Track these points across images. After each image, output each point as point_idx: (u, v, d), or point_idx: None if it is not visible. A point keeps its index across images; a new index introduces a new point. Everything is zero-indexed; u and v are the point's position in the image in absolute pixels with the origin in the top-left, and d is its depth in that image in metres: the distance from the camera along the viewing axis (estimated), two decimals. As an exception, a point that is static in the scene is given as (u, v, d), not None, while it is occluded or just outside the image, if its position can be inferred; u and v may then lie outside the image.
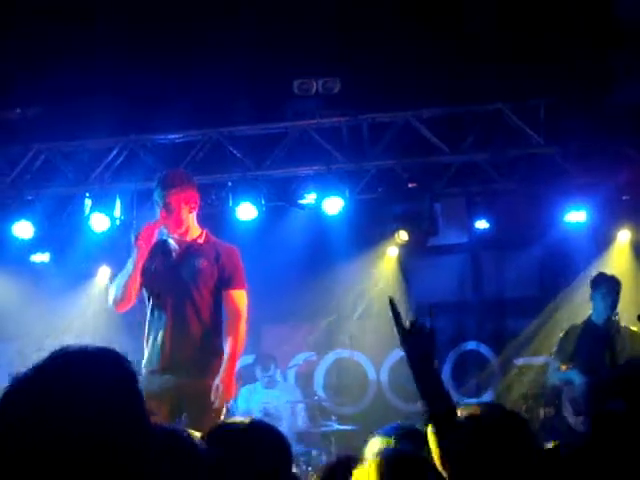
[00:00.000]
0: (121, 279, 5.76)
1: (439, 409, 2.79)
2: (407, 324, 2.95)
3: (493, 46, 8.07)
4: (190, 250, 5.85)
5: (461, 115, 8.82)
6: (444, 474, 2.66)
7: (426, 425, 2.81)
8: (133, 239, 5.71)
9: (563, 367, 7.74)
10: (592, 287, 7.81)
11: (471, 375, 10.04)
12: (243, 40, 8.04)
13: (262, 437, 2.70)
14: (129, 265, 5.72)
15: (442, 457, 2.67)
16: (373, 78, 8.39)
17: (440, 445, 2.70)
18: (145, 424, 1.56)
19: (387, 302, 3.01)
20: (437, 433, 2.73)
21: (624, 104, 8.30)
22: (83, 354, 1.58)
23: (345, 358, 10.33)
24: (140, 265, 5.71)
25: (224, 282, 5.78)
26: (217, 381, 5.49)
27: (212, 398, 5.45)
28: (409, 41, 8.17)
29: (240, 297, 5.79)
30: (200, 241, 5.89)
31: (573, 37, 7.99)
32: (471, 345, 10.24)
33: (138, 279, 5.72)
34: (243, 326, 5.72)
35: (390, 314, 2.97)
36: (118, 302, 5.77)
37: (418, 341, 2.92)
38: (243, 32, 8.08)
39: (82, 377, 1.53)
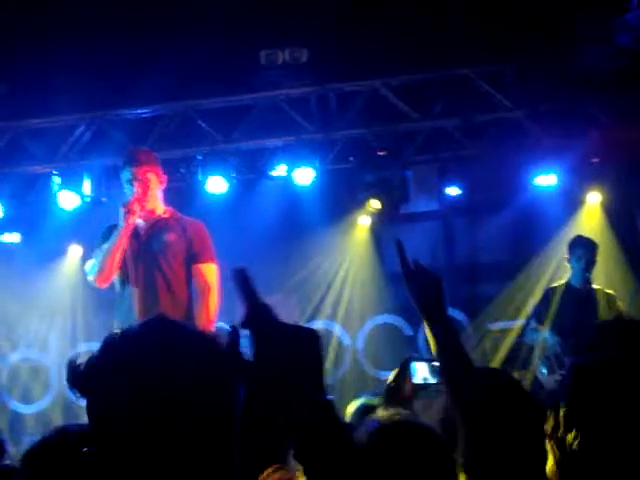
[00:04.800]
0: (105, 253, 5.72)
1: (453, 359, 2.72)
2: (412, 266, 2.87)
3: (459, 11, 8.04)
4: (157, 226, 5.87)
5: (429, 82, 8.81)
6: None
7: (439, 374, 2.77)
8: (122, 213, 5.68)
9: (541, 327, 7.81)
10: (569, 250, 7.88)
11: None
12: (209, 12, 7.96)
13: None
14: (114, 239, 5.69)
15: (457, 410, 2.63)
16: (341, 47, 8.34)
17: (454, 397, 2.66)
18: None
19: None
20: (449, 382, 2.70)
21: (591, 66, 8.31)
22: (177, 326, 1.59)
23: (321, 329, 10.35)
24: (125, 240, 5.69)
25: (193, 257, 5.79)
26: None
27: None
28: (375, 9, 8.13)
29: (209, 270, 5.79)
30: (166, 216, 5.90)
31: (539, 1, 7.99)
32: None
33: (122, 253, 5.70)
34: (213, 299, 5.71)
35: (397, 256, 2.88)
36: (100, 276, 5.76)
37: (425, 283, 2.84)
38: (209, 4, 7.99)
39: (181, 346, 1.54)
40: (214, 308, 5.69)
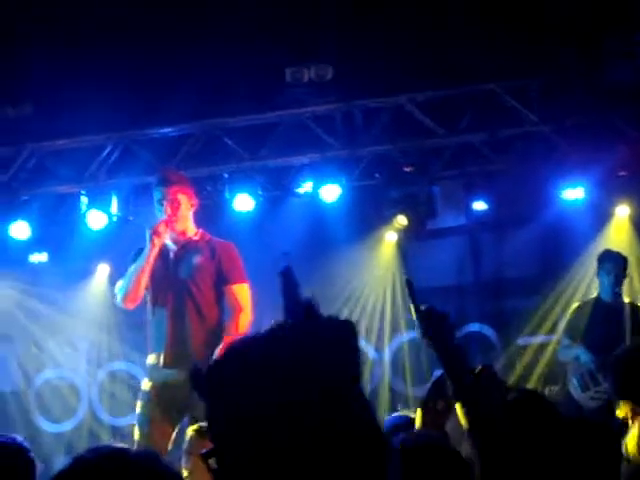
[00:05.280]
0: (132, 275, 5.73)
1: (467, 388, 2.73)
2: (422, 307, 2.89)
3: (485, 27, 8.04)
4: (187, 248, 5.87)
5: (455, 97, 8.78)
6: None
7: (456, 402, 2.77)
8: (149, 235, 5.69)
9: (573, 344, 7.74)
10: (598, 264, 7.82)
11: (474, 357, 10.02)
12: (234, 31, 7.99)
13: None
14: (141, 261, 5.70)
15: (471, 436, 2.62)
16: (365, 63, 8.35)
17: (471, 423, 2.65)
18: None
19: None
20: (467, 413, 2.69)
21: (617, 81, 8.27)
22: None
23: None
24: (153, 261, 5.69)
25: (223, 278, 5.78)
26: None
27: None
28: (399, 25, 8.14)
29: (241, 291, 5.79)
30: (196, 238, 5.90)
31: (566, 15, 7.96)
32: (473, 327, 10.22)
33: (147, 276, 5.71)
34: (244, 318, 5.70)
35: (407, 295, 2.90)
36: (127, 298, 5.78)
37: (435, 322, 2.85)
38: (233, 23, 8.03)
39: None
40: (244, 327, 5.68)
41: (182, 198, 5.80)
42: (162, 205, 5.77)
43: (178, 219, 5.77)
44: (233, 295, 5.77)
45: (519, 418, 2.64)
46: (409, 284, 2.86)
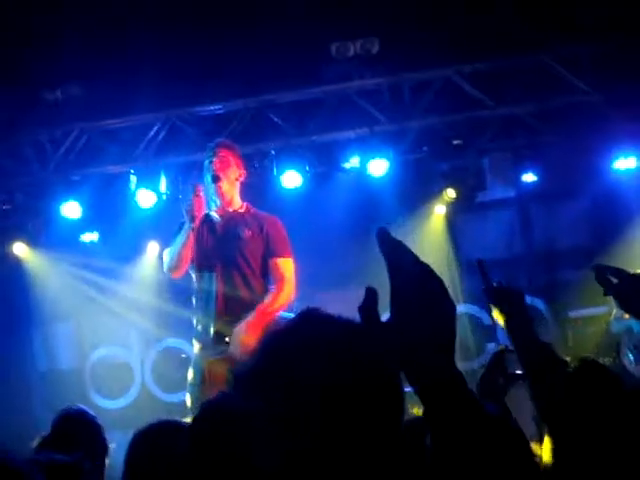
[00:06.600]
0: (176, 244, 5.76)
1: (539, 365, 2.74)
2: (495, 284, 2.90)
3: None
4: (233, 221, 5.86)
5: (503, 68, 8.68)
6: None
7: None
8: (185, 211, 5.70)
9: (626, 315, 7.65)
10: None
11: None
12: (278, 7, 7.96)
13: None
14: (183, 235, 5.72)
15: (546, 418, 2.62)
16: (411, 36, 8.27)
17: (543, 404, 2.64)
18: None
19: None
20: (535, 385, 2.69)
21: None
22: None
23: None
24: (192, 236, 5.71)
25: (270, 251, 5.78)
26: (237, 328, 5.49)
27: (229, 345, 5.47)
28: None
29: (286, 264, 5.79)
30: (242, 211, 5.91)
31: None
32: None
33: (190, 249, 5.73)
34: (287, 289, 5.70)
35: (480, 274, 2.90)
36: (173, 270, 5.81)
37: (508, 300, 2.86)
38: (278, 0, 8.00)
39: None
40: (285, 299, 5.68)
41: (232, 161, 5.82)
42: (211, 163, 5.76)
43: (225, 178, 5.77)
44: (278, 268, 5.77)
45: (583, 389, 2.63)
46: (481, 264, 2.87)
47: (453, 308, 1.53)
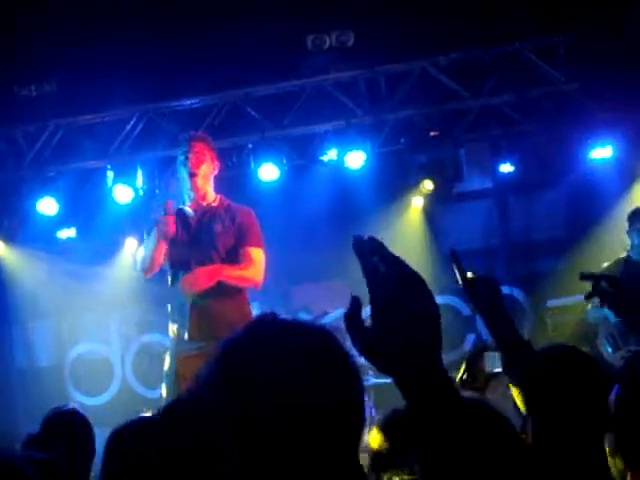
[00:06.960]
0: (147, 248, 5.76)
1: (517, 356, 2.75)
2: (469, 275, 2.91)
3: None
4: (207, 215, 5.87)
5: (479, 59, 8.69)
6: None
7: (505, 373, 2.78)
8: (158, 211, 5.69)
9: (603, 305, 7.66)
10: (628, 223, 7.71)
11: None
12: (253, 0, 7.94)
13: None
14: (153, 240, 5.71)
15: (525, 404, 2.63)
16: (387, 28, 8.26)
17: (521, 392, 2.66)
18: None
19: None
20: (515, 379, 2.70)
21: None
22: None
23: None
24: (167, 238, 5.70)
25: (241, 241, 5.79)
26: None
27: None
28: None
29: (256, 253, 5.78)
30: (215, 205, 5.90)
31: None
32: (502, 290, 10.16)
33: (162, 254, 5.73)
34: (253, 270, 5.70)
35: (453, 266, 2.91)
36: (145, 271, 5.81)
37: (483, 290, 2.87)
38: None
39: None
40: (248, 275, 5.68)
41: (207, 155, 5.81)
42: (187, 159, 5.75)
43: (201, 174, 5.77)
44: (248, 254, 5.76)
45: (562, 373, 2.65)
46: (454, 255, 2.87)
47: (436, 309, 1.54)
